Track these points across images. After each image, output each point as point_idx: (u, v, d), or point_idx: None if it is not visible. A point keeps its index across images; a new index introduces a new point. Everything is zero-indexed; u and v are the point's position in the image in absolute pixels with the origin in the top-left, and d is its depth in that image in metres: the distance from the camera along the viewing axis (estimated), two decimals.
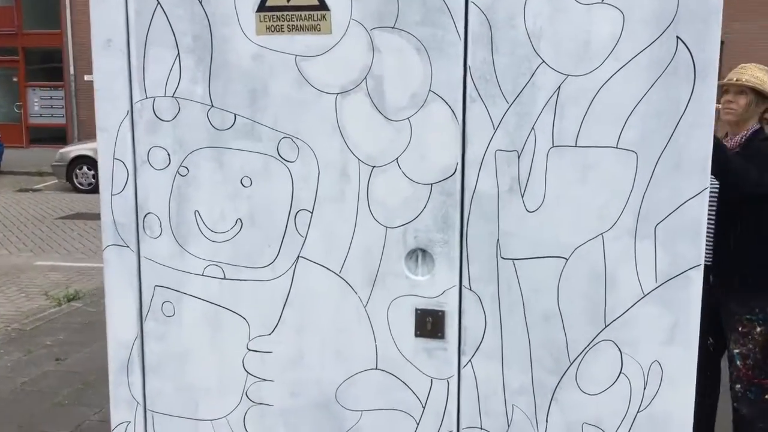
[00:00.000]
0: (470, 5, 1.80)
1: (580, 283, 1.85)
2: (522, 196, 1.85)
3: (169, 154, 2.02)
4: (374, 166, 1.91)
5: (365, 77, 1.88)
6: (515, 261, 1.88)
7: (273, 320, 2.03)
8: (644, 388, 1.86)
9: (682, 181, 1.77)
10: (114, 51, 2.01)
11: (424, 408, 1.97)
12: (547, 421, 1.92)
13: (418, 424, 1.98)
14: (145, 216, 2.06)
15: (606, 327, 1.86)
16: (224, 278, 2.04)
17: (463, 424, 1.96)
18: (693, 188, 1.77)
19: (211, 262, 2.04)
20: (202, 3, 1.94)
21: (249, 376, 2.07)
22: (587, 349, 1.87)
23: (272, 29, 1.91)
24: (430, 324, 1.94)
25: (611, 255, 1.83)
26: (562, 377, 1.90)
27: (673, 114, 1.75)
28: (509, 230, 1.87)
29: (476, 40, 1.82)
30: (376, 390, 1.99)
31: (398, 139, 1.89)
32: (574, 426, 1.91)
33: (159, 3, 1.96)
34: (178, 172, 2.03)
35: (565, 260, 1.85)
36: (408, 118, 1.88)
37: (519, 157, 1.84)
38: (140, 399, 2.14)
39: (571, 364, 1.89)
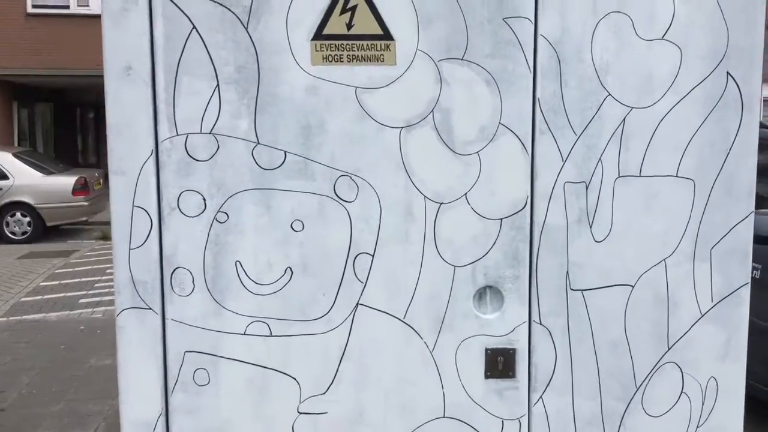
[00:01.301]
0: (539, 38, 1.79)
1: (645, 308, 1.90)
2: (590, 227, 1.86)
3: (204, 199, 1.76)
4: (441, 203, 1.82)
5: (432, 110, 1.79)
6: (584, 292, 1.88)
7: (328, 377, 1.84)
8: (702, 405, 1.94)
9: (732, 205, 1.89)
10: (135, 80, 1.71)
11: None
12: None
13: None
14: (173, 271, 1.77)
15: (669, 349, 1.92)
16: (270, 335, 1.81)
17: None
18: (742, 212, 1.89)
19: (255, 319, 1.81)
20: (248, 29, 1.72)
21: None
22: (652, 372, 1.92)
23: (330, 59, 1.75)
24: (501, 363, 1.87)
25: (673, 279, 1.89)
26: (629, 403, 1.92)
27: (724, 144, 1.87)
28: (578, 261, 1.87)
29: (545, 73, 1.80)
30: None
31: (467, 173, 1.81)
32: None
33: (195, 27, 1.71)
34: (215, 218, 1.77)
35: (631, 287, 1.89)
36: (477, 152, 1.81)
37: (587, 188, 1.85)
38: None
39: (638, 389, 1.92)
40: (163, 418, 1.81)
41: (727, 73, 1.85)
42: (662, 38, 1.82)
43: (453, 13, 1.76)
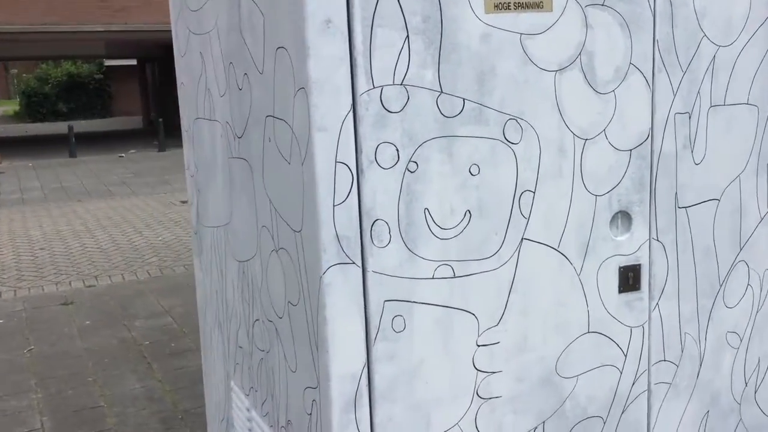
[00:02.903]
0: None
1: (726, 218, 2.25)
2: (692, 152, 2.15)
3: (397, 150, 1.78)
4: (586, 139, 2.00)
5: (579, 53, 1.95)
6: (687, 208, 2.18)
7: (500, 309, 1.97)
8: (760, 292, 2.36)
9: None
10: (334, 34, 1.67)
11: (626, 356, 2.16)
12: (706, 339, 2.29)
13: (621, 373, 2.16)
14: (372, 224, 1.78)
15: (741, 250, 2.29)
16: (454, 276, 1.90)
17: (652, 361, 2.21)
18: None
19: (441, 262, 1.88)
20: None
21: (479, 373, 1.97)
22: (730, 271, 2.29)
23: (500, 7, 1.83)
24: (631, 278, 2.12)
25: (744, 191, 2.26)
26: (714, 299, 2.28)
27: None
28: (683, 182, 2.16)
29: (661, 16, 2.03)
30: (589, 352, 2.10)
31: (605, 110, 2.01)
32: (721, 336, 2.32)
33: None
34: (407, 168, 1.80)
35: (717, 201, 2.22)
36: (613, 91, 2.01)
37: (689, 118, 2.13)
38: None
39: (720, 286, 2.28)
40: (366, 369, 1.83)
41: None
42: None
43: None
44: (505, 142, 1.90)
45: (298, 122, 1.76)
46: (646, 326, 2.17)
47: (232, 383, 2.71)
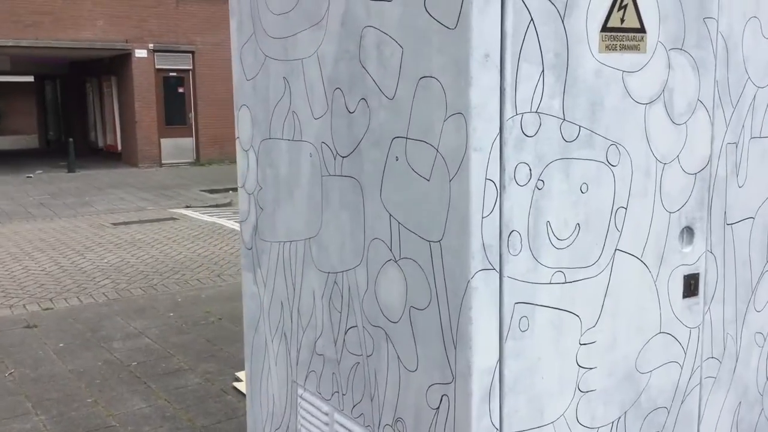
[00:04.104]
0: (718, 34, 2.36)
1: (758, 233, 2.61)
2: (737, 176, 2.51)
3: (530, 169, 2.02)
4: (665, 164, 2.31)
5: (663, 89, 2.26)
6: (732, 225, 2.53)
7: (597, 312, 2.23)
8: None
9: None
10: (490, 67, 1.90)
11: (685, 354, 2.47)
12: (741, 338, 2.64)
13: (682, 368, 2.47)
14: (509, 234, 2.01)
15: (767, 262, 2.66)
16: (565, 282, 2.15)
17: (703, 357, 2.53)
18: None
19: (556, 269, 2.12)
20: (564, 22, 2.01)
21: (580, 368, 2.22)
22: (760, 278, 2.65)
23: (610, 48, 2.12)
24: (692, 286, 2.44)
25: None
26: (748, 303, 2.64)
27: None
28: (730, 203, 2.51)
29: (720, 60, 2.39)
30: (659, 350, 2.40)
31: (679, 139, 2.33)
32: (751, 336, 2.67)
33: (532, 20, 1.95)
34: (536, 186, 2.04)
35: (753, 219, 2.59)
36: (685, 122, 2.33)
37: (737, 147, 2.49)
38: (497, 424, 2.06)
39: (753, 293, 2.64)
40: (498, 364, 2.04)
41: None
42: None
43: (677, 11, 2.25)
44: (607, 164, 2.18)
45: (447, 143, 1.98)
46: (701, 327, 2.50)
47: (301, 391, 2.84)
